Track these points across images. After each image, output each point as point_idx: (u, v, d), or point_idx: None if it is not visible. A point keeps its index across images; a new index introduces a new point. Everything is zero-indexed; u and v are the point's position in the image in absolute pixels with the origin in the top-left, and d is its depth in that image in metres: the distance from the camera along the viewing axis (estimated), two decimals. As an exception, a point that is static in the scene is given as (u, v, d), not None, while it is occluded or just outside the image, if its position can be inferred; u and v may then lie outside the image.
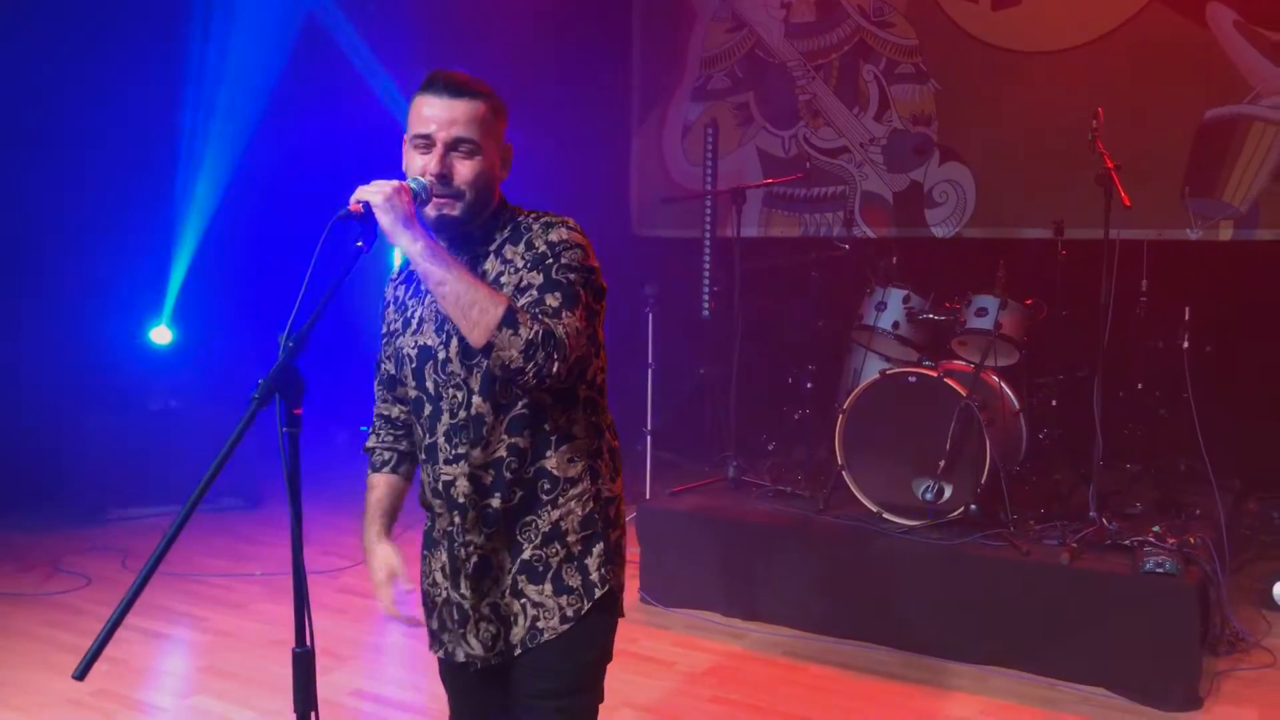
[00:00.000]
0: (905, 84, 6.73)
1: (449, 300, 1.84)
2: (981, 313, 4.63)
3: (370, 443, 2.30)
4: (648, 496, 5.57)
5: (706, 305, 6.24)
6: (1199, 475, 4.80)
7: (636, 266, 6.38)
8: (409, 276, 2.19)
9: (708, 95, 7.29)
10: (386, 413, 2.28)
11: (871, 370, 4.97)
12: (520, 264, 1.99)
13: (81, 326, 6.18)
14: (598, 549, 2.09)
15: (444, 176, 1.97)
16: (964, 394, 4.41)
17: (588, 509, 2.08)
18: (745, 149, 7.09)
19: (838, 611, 4.45)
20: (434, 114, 1.98)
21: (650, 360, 5.69)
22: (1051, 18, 6.28)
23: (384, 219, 1.83)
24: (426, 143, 1.98)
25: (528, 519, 2.05)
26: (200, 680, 3.99)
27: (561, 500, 2.06)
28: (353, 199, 1.84)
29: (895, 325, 4.83)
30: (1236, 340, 5.36)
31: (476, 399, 2.00)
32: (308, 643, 1.67)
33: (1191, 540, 4.17)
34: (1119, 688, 3.90)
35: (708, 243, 6.78)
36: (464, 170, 1.98)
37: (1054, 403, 4.80)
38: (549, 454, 2.05)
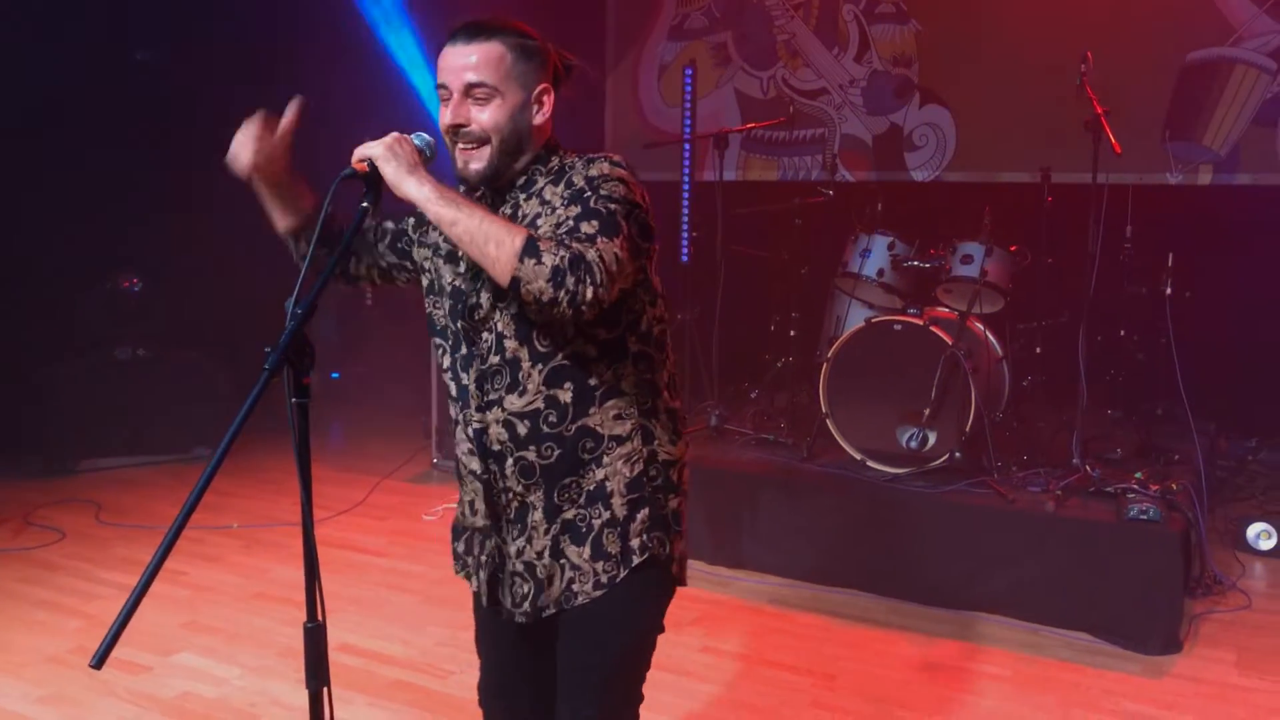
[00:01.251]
0: (886, 24, 6.63)
1: (464, 241, 1.75)
2: (967, 260, 4.60)
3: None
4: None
5: (686, 250, 6.16)
6: (1177, 419, 4.84)
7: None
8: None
9: (684, 34, 7.15)
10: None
11: (856, 318, 4.94)
12: (559, 203, 1.89)
13: (45, 272, 6.00)
14: (642, 514, 1.98)
15: (459, 126, 1.89)
16: (949, 342, 4.39)
17: (636, 470, 1.97)
18: (723, 90, 6.97)
19: (823, 560, 4.46)
20: (448, 63, 1.89)
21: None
22: (1036, -46, 6.19)
23: (387, 169, 1.75)
24: (445, 92, 1.90)
25: (568, 480, 1.95)
26: (183, 636, 3.94)
27: (607, 459, 1.95)
28: (355, 158, 1.76)
29: (880, 273, 4.79)
30: (1215, 285, 5.37)
31: (510, 342, 1.91)
32: (319, 617, 1.61)
33: (1173, 486, 4.20)
34: (1102, 632, 3.95)
35: (686, 187, 6.68)
36: (482, 116, 1.89)
37: (1037, 349, 4.80)
38: (593, 410, 1.93)
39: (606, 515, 1.96)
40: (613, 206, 1.85)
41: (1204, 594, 4.30)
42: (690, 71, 6.23)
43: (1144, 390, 5.08)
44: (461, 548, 2.16)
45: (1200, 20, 5.85)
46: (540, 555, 1.98)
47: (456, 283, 2.00)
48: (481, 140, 1.90)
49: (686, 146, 6.71)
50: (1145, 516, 3.95)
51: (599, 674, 2.02)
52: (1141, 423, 5.07)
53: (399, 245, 2.15)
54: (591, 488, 1.96)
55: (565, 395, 1.92)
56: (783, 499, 4.58)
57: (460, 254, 1.99)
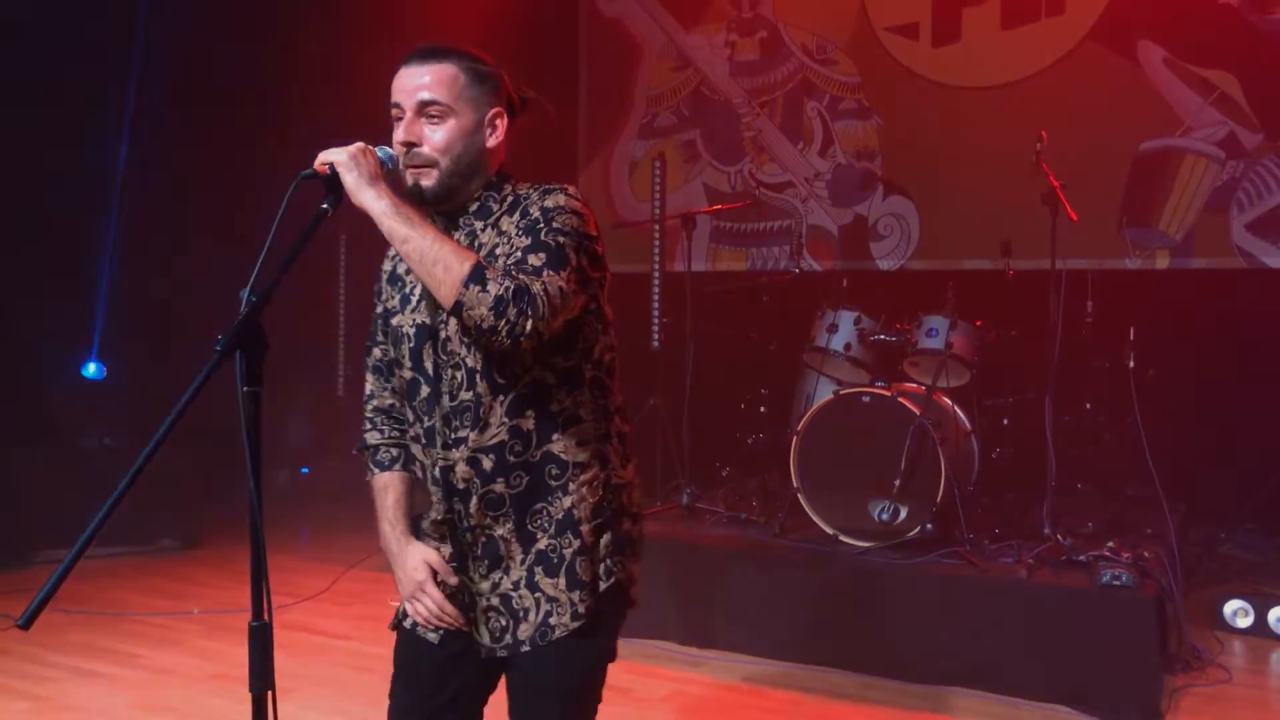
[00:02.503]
0: (849, 120, 6.84)
1: (414, 259, 1.76)
2: (932, 333, 4.66)
3: (372, 439, 2.15)
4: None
5: (656, 336, 6.21)
6: (1147, 499, 4.84)
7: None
8: None
9: (654, 133, 7.34)
10: (384, 404, 2.15)
11: (824, 394, 4.95)
12: (514, 232, 1.91)
13: (10, 358, 5.96)
14: (605, 540, 1.98)
15: (412, 144, 1.91)
16: (917, 413, 4.41)
17: (598, 496, 1.97)
18: (692, 185, 7.13)
19: (796, 636, 4.38)
20: (402, 83, 1.93)
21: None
22: (990, 54, 6.44)
23: (348, 177, 1.77)
24: (398, 112, 1.93)
25: (537, 506, 1.94)
26: (133, 717, 3.80)
27: (573, 486, 1.95)
28: (317, 161, 1.78)
29: (847, 347, 4.83)
30: (1177, 365, 5.44)
31: (476, 378, 1.90)
32: (266, 616, 1.57)
33: (1145, 554, 4.18)
34: (1079, 704, 3.87)
35: (656, 276, 6.78)
36: (434, 136, 1.91)
37: (1005, 421, 4.83)
38: (555, 437, 1.94)
39: (577, 544, 1.95)
40: (562, 240, 1.87)
41: (1183, 669, 4.23)
42: (659, 164, 6.38)
43: (1113, 466, 5.10)
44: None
45: (1150, 112, 6.07)
46: (516, 586, 1.96)
47: (419, 320, 1.99)
48: (430, 162, 1.92)
49: (656, 236, 6.83)
50: (1119, 582, 3.92)
51: (568, 700, 1.99)
52: (1111, 498, 5.07)
53: (382, 343, 2.14)
54: (560, 516, 1.95)
55: (528, 424, 1.92)
56: (754, 575, 4.52)
57: (417, 290, 2.01)
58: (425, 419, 1.98)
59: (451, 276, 1.74)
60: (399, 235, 1.77)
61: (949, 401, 4.81)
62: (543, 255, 1.84)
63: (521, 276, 1.79)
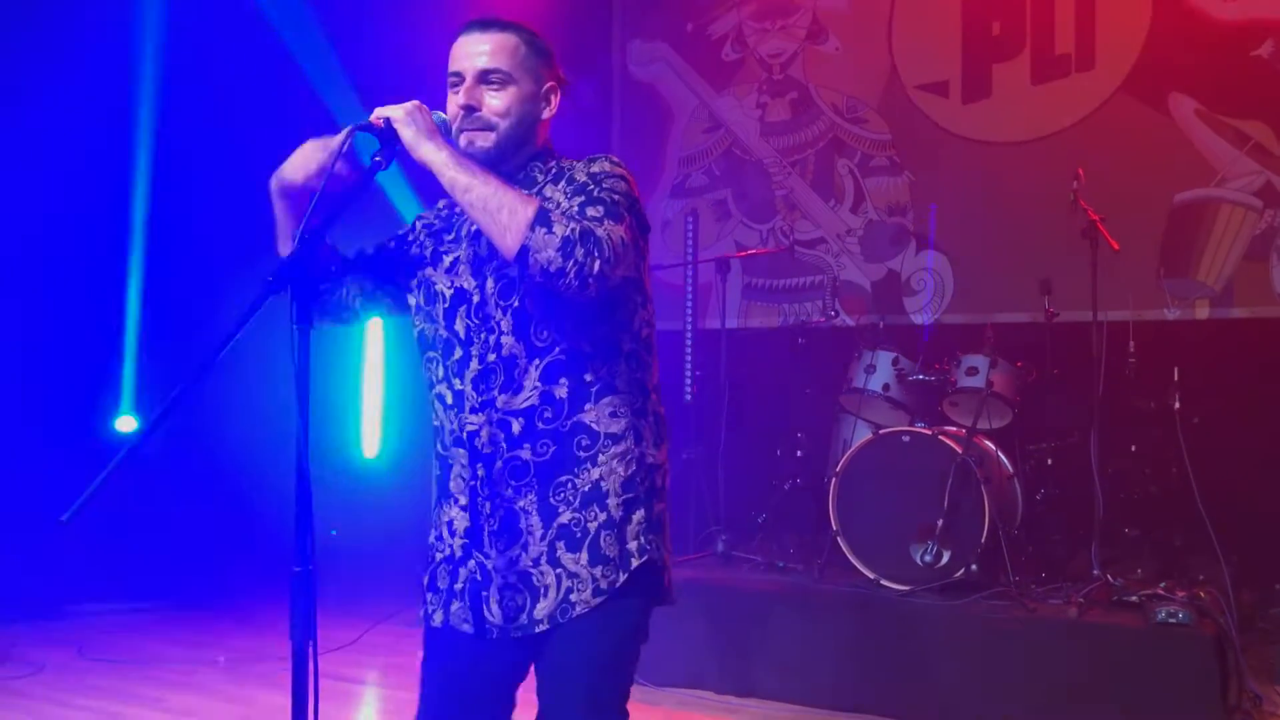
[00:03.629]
0: (880, 176, 6.86)
1: (476, 206, 1.76)
2: (972, 372, 4.59)
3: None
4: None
5: (689, 390, 6.17)
6: (1197, 546, 4.70)
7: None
8: (450, 218, 2.09)
9: (686, 192, 7.39)
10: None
11: (862, 438, 4.88)
12: (561, 198, 1.90)
13: (42, 412, 5.99)
14: (638, 515, 1.92)
15: (472, 108, 1.92)
16: (959, 451, 4.33)
17: (630, 470, 1.92)
18: (723, 242, 7.13)
19: (837, 682, 4.24)
20: (463, 50, 1.95)
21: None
22: (1020, 110, 6.46)
23: (406, 132, 1.77)
24: (458, 80, 1.95)
25: (563, 478, 1.89)
26: (158, 755, 3.70)
27: (602, 458, 1.90)
28: (372, 115, 1.79)
29: (885, 388, 4.77)
30: (1223, 413, 5.32)
31: (507, 339, 1.88)
32: (310, 564, 1.51)
33: (1201, 595, 4.04)
34: (1137, 748, 3.71)
35: (689, 329, 6.77)
36: (494, 102, 1.93)
37: (1049, 462, 4.72)
38: (588, 407, 1.90)
39: (603, 517, 1.89)
40: (616, 198, 1.89)
41: (1245, 718, 4.05)
42: (692, 218, 6.42)
43: (1161, 513, 4.95)
44: (428, 581, 2.04)
45: (1184, 163, 6.04)
46: (537, 562, 1.89)
47: (458, 284, 1.98)
48: (489, 125, 1.93)
49: (689, 294, 6.85)
50: (1175, 620, 3.78)
51: (589, 686, 1.91)
52: (1161, 546, 4.92)
53: (383, 264, 2.13)
54: (587, 489, 1.90)
55: (561, 391, 1.89)
56: (792, 620, 4.39)
57: (457, 256, 2.00)
58: (456, 381, 1.95)
59: (517, 220, 1.74)
60: (460, 184, 1.77)
61: (991, 445, 4.72)
62: (600, 208, 1.85)
63: (585, 221, 1.79)
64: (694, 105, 7.43)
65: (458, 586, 1.96)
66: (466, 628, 1.95)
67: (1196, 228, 6.03)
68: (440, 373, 1.99)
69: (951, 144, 6.64)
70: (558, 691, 1.91)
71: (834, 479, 4.59)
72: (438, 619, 1.98)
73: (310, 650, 1.50)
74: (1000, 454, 4.72)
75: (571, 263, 1.73)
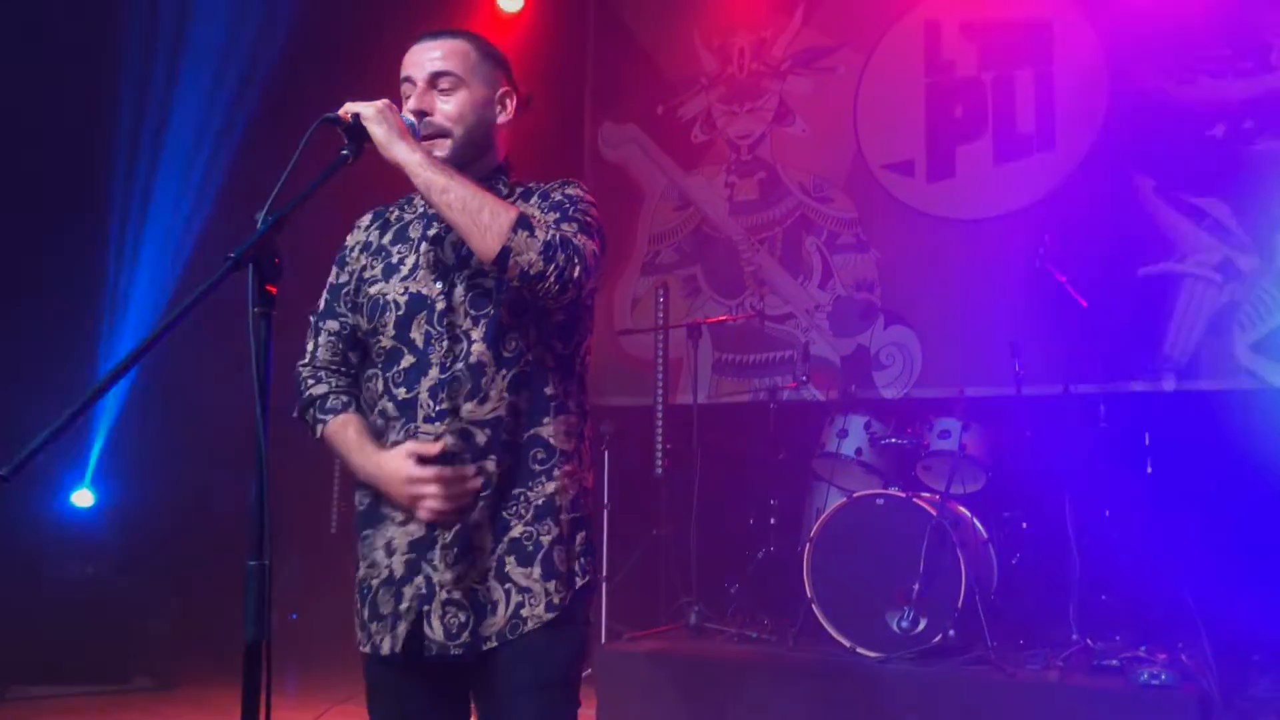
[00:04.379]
0: (847, 253, 6.93)
1: (455, 207, 1.73)
2: (945, 435, 4.57)
3: (318, 390, 1.97)
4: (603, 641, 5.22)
5: (660, 463, 6.09)
6: (1176, 615, 4.64)
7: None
8: (385, 223, 2.05)
9: (656, 269, 7.43)
10: (327, 359, 2.01)
11: (836, 503, 4.82)
12: (535, 212, 1.90)
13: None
14: (580, 536, 1.92)
15: (423, 113, 1.90)
16: (934, 514, 4.27)
17: (576, 490, 1.92)
18: (693, 318, 7.14)
19: (814, 753, 4.11)
20: (414, 58, 1.96)
21: (604, 526, 5.51)
22: (984, 188, 6.58)
23: (377, 130, 1.75)
24: (410, 85, 1.94)
25: (516, 491, 1.85)
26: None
27: (558, 473, 1.88)
28: (342, 110, 1.76)
29: (858, 451, 4.73)
30: (1194, 481, 5.31)
31: (478, 347, 1.84)
32: (265, 558, 1.43)
33: (1183, 658, 3.97)
34: (1123, 817, 3.59)
35: (659, 408, 6.71)
36: (446, 107, 1.92)
37: (1024, 525, 4.67)
38: (546, 420, 1.88)
39: (556, 532, 1.86)
40: (589, 220, 1.93)
41: (1229, 787, 3.95)
42: (663, 290, 6.43)
43: (1138, 579, 4.89)
44: (367, 613, 1.92)
45: (1146, 238, 6.15)
46: (483, 579, 1.82)
47: (415, 289, 1.92)
48: (443, 132, 1.92)
49: (659, 368, 6.82)
50: (1158, 681, 3.70)
51: (552, 693, 1.85)
52: (1139, 613, 4.85)
53: (342, 315, 2.03)
54: (540, 502, 1.86)
55: (523, 404, 1.88)
56: (766, 689, 4.27)
57: (415, 262, 1.95)
58: (404, 390, 1.88)
59: (500, 222, 1.73)
60: (438, 185, 1.75)
61: (965, 510, 4.67)
62: (574, 225, 1.87)
63: (563, 231, 1.81)
64: (664, 184, 7.52)
65: (403, 607, 1.86)
66: (428, 651, 1.86)
67: (1160, 302, 6.11)
68: (380, 387, 1.92)
69: (917, 221, 6.74)
70: (510, 709, 1.82)
71: (808, 545, 4.52)
72: (386, 646, 1.87)
73: (264, 649, 1.40)
74: (975, 519, 4.67)
75: (553, 267, 1.73)
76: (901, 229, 6.78)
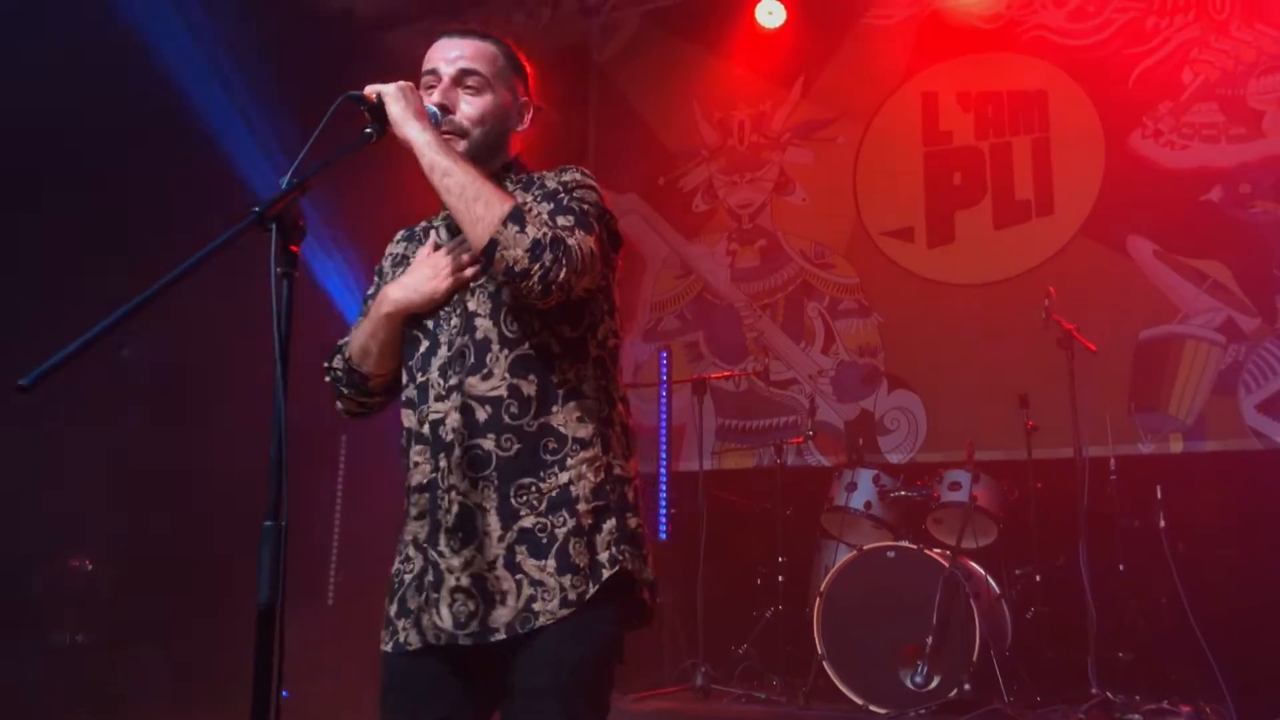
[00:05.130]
0: (849, 318, 6.94)
1: (453, 191, 1.73)
2: (955, 486, 4.52)
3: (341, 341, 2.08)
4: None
5: (664, 528, 6.01)
6: (1194, 671, 4.53)
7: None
8: (412, 234, 2.08)
9: (658, 335, 7.43)
10: None
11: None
12: (530, 202, 1.89)
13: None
14: (609, 525, 1.82)
15: (446, 108, 1.91)
16: (946, 565, 4.20)
17: (599, 478, 1.83)
18: (695, 403, 7.11)
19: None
20: (441, 52, 1.97)
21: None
22: (984, 253, 6.63)
23: (394, 107, 1.76)
24: (434, 78, 1.95)
25: (526, 480, 1.79)
26: None
27: (571, 462, 1.81)
28: (366, 89, 1.78)
29: (867, 505, 4.68)
30: (1205, 542, 5.25)
31: (483, 321, 1.83)
32: (281, 519, 1.39)
33: (1206, 709, 3.86)
34: None
35: (663, 475, 6.66)
36: (468, 108, 1.93)
37: (1038, 578, 4.58)
38: (556, 409, 1.83)
39: (572, 524, 1.79)
40: (586, 207, 1.88)
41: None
42: (666, 353, 6.42)
43: (1154, 634, 4.79)
44: (395, 609, 1.89)
45: (1147, 301, 6.17)
46: (491, 566, 1.77)
47: None
48: (461, 132, 1.92)
49: (663, 437, 6.78)
50: (1182, 732, 3.59)
51: (566, 701, 1.75)
52: (1158, 668, 4.74)
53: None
54: (554, 493, 1.80)
55: (529, 388, 1.83)
56: (780, 748, 4.15)
57: (430, 242, 1.98)
58: (419, 375, 1.88)
59: (491, 213, 1.72)
60: (440, 167, 1.74)
61: (978, 567, 4.60)
62: (570, 218, 1.84)
63: (557, 229, 1.77)
64: (665, 253, 7.57)
65: (422, 598, 1.83)
66: (441, 640, 1.80)
67: (1164, 363, 6.11)
68: (403, 377, 1.94)
69: (919, 286, 6.77)
70: (522, 709, 1.74)
71: (818, 600, 4.44)
72: (413, 639, 1.83)
73: (278, 611, 1.35)
74: (988, 576, 4.59)
75: (538, 266, 1.70)
76: (903, 294, 6.81)
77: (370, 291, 2.10)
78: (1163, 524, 4.62)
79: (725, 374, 6.37)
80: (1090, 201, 6.43)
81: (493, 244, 1.70)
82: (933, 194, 6.86)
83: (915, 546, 4.30)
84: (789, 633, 4.95)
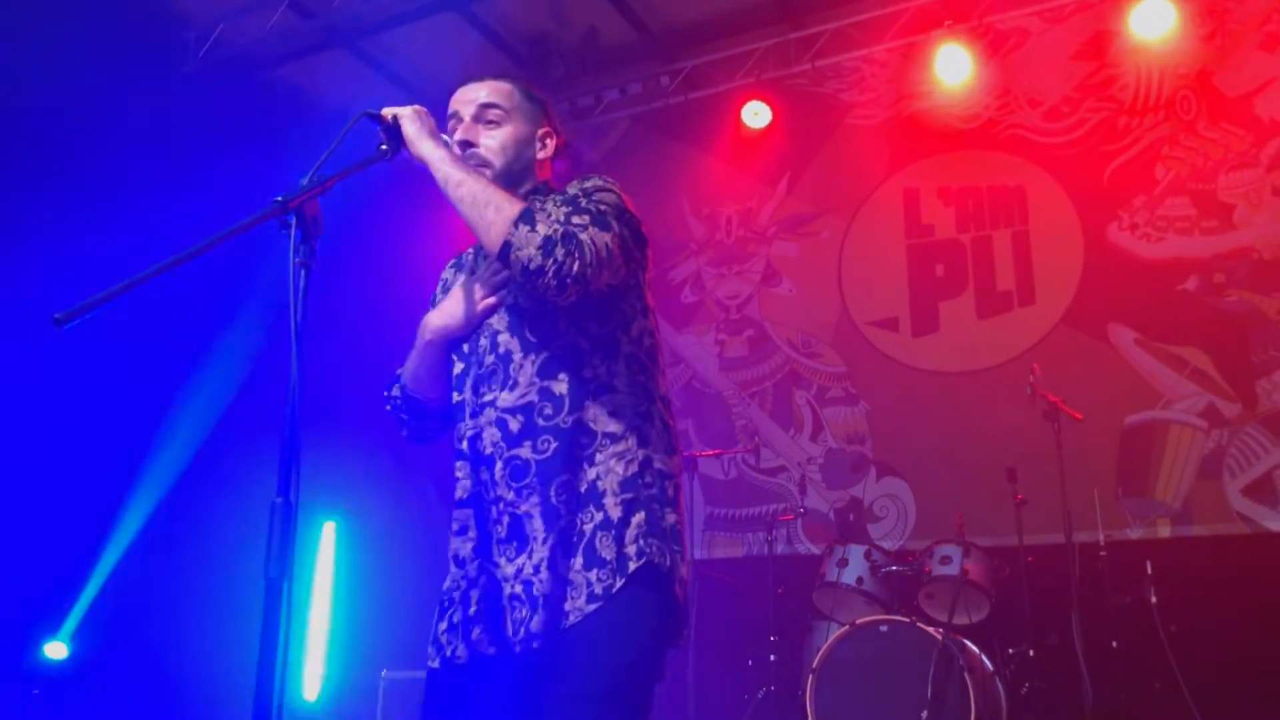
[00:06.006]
0: (837, 406, 7.01)
1: (465, 200, 1.80)
2: (946, 560, 4.53)
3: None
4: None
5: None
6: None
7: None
8: (459, 262, 2.17)
9: (647, 425, 7.47)
10: None
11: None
12: (552, 209, 1.95)
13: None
14: (638, 518, 1.81)
15: (468, 144, 2.00)
16: (939, 637, 4.18)
17: (630, 471, 1.84)
18: (685, 470, 7.14)
19: None
20: (461, 96, 2.07)
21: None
22: (968, 342, 6.75)
23: (409, 127, 1.85)
24: (456, 121, 2.04)
25: (564, 478, 1.81)
26: None
27: (599, 457, 1.83)
28: (384, 110, 1.87)
29: (859, 580, 4.67)
30: (1199, 623, 5.22)
31: (503, 336, 1.89)
32: (292, 496, 1.42)
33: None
34: None
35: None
36: (490, 141, 2.02)
37: (1031, 653, 4.54)
38: (587, 404, 1.86)
39: (599, 518, 1.80)
40: (604, 208, 1.94)
41: None
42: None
43: (1152, 707, 4.74)
44: (445, 625, 1.90)
45: (1130, 388, 6.27)
46: (537, 569, 1.78)
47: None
48: (484, 163, 2.00)
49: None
50: (1182, 803, 3.53)
51: (595, 708, 1.73)
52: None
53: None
54: (583, 489, 1.83)
55: (560, 387, 1.87)
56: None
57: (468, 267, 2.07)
58: (457, 395, 1.95)
59: (503, 217, 1.78)
60: (453, 179, 1.82)
61: (972, 645, 4.56)
62: (586, 216, 1.89)
63: (570, 225, 1.82)
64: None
65: (472, 611, 1.83)
66: (492, 651, 1.80)
67: (1149, 448, 6.17)
68: (455, 398, 2.01)
69: (905, 375, 6.86)
70: (556, 686, 1.74)
71: (810, 676, 4.39)
72: (461, 654, 1.83)
73: (285, 588, 1.37)
74: (982, 654, 4.56)
75: (551, 261, 1.75)
76: (889, 383, 6.89)
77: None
78: (1154, 599, 4.61)
79: (715, 452, 6.39)
80: (1071, 291, 6.58)
81: (506, 245, 1.76)
82: (916, 285, 7.01)
83: (908, 620, 4.28)
84: (781, 713, 4.87)
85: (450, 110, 2.07)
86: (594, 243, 1.81)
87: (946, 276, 6.96)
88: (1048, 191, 6.79)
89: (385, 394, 2.15)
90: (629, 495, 1.83)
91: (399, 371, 2.14)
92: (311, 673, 7.03)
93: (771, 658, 4.95)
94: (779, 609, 5.08)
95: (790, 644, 5.09)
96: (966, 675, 4.08)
